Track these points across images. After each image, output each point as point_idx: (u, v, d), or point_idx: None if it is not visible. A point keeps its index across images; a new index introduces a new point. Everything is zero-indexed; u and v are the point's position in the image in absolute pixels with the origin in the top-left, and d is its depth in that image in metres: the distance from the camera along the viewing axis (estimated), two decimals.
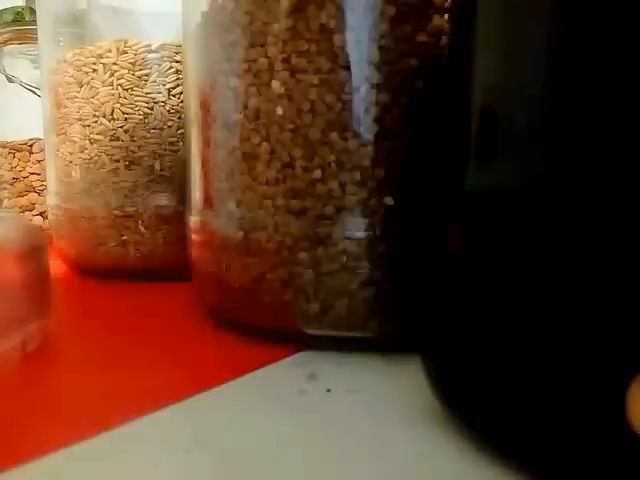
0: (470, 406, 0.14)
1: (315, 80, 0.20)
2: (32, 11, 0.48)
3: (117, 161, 0.33)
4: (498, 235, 0.13)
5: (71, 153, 0.34)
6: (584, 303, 0.11)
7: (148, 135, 0.32)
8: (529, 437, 0.12)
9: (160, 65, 0.32)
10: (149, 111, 0.32)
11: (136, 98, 0.32)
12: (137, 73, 0.32)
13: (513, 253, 0.13)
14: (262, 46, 0.20)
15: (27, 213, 0.47)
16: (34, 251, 0.21)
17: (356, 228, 0.20)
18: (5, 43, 0.49)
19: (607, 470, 0.11)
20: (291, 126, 0.20)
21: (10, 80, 0.48)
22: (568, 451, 0.12)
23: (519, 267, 0.13)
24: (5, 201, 0.47)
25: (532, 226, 0.12)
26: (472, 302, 0.14)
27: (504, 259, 0.13)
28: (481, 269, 0.14)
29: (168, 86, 0.33)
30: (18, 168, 0.47)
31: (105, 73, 0.32)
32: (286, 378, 0.19)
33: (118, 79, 0.32)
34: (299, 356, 0.21)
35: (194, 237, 0.24)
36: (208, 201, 0.23)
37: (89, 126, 0.33)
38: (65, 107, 0.34)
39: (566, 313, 0.12)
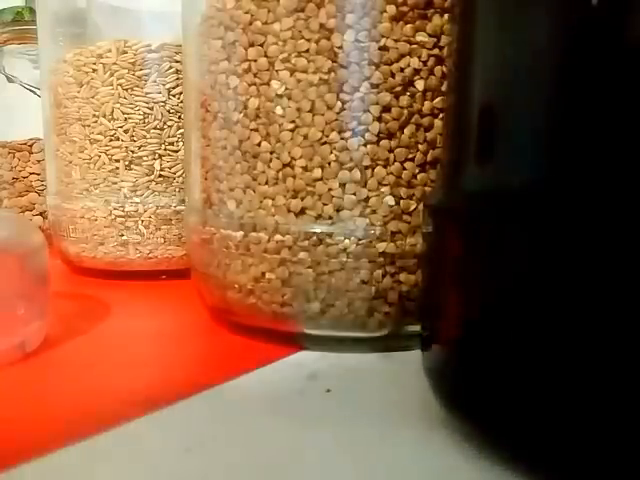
0: (472, 406, 0.14)
1: (315, 80, 0.20)
2: (32, 11, 0.48)
3: (117, 161, 0.33)
4: (499, 234, 0.13)
5: (71, 153, 0.34)
6: (587, 301, 0.11)
7: (148, 135, 0.32)
8: (536, 438, 0.12)
9: (160, 65, 0.32)
10: (149, 111, 0.32)
11: (136, 98, 0.32)
12: (137, 73, 0.32)
13: (512, 252, 0.13)
14: (262, 46, 0.20)
15: (27, 213, 0.47)
16: (34, 251, 0.21)
17: (356, 228, 0.20)
18: (5, 43, 0.49)
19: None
20: (291, 126, 0.20)
21: (10, 80, 0.48)
22: (576, 452, 0.12)
23: (517, 265, 0.13)
24: (5, 201, 0.47)
25: (532, 226, 0.12)
26: (476, 298, 0.14)
27: (504, 258, 0.13)
28: (482, 266, 0.14)
29: (168, 86, 0.33)
30: (18, 168, 0.47)
31: (105, 73, 0.32)
32: (286, 378, 0.19)
33: (118, 79, 0.32)
34: (299, 356, 0.21)
35: (194, 237, 0.24)
36: (208, 201, 0.23)
37: (89, 126, 0.33)
38: (65, 107, 0.34)
39: (571, 312, 0.12)
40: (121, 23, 0.35)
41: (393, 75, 0.20)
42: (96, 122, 0.33)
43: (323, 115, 0.20)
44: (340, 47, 0.19)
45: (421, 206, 0.19)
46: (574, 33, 0.12)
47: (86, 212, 0.33)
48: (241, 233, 0.21)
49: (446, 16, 0.20)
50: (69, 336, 0.23)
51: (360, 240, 0.20)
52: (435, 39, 0.20)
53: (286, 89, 0.20)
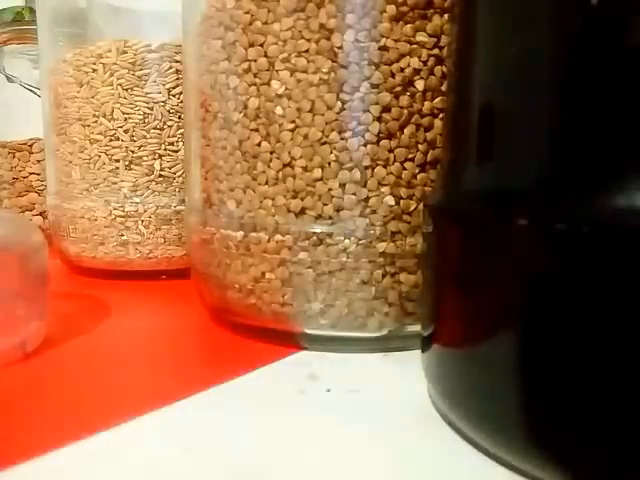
0: (472, 406, 0.14)
1: (315, 80, 0.20)
2: (32, 11, 0.48)
3: (117, 161, 0.33)
4: (499, 234, 0.13)
5: (71, 153, 0.34)
6: (586, 300, 0.11)
7: (148, 135, 0.32)
8: (536, 437, 0.12)
9: (160, 65, 0.32)
10: (149, 111, 0.32)
11: (136, 98, 0.32)
12: (137, 73, 0.32)
13: (512, 252, 0.13)
14: (262, 46, 0.20)
15: (27, 213, 0.47)
16: (34, 251, 0.21)
17: (356, 228, 0.20)
18: (5, 43, 0.49)
19: None
20: (291, 126, 0.20)
21: (10, 80, 0.48)
22: (575, 453, 0.12)
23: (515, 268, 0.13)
24: (5, 201, 0.47)
25: (531, 226, 0.12)
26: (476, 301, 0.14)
27: (504, 258, 0.13)
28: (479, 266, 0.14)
29: (168, 86, 0.33)
30: (18, 168, 0.47)
31: (105, 73, 0.32)
32: (286, 378, 0.19)
33: (118, 79, 0.32)
34: (299, 356, 0.21)
35: (194, 237, 0.24)
36: (208, 201, 0.23)
37: (89, 126, 0.33)
38: (65, 107, 0.34)
39: (569, 310, 0.12)
40: (121, 23, 0.35)
41: (393, 75, 0.20)
42: (96, 122, 0.33)
43: (323, 115, 0.20)
44: (340, 47, 0.19)
45: (421, 206, 0.19)
46: (574, 33, 0.12)
47: (86, 212, 0.33)
48: (241, 233, 0.21)
49: (446, 16, 0.20)
50: (69, 336, 0.23)
51: (360, 240, 0.20)
52: (435, 39, 0.20)
53: (286, 89, 0.20)
